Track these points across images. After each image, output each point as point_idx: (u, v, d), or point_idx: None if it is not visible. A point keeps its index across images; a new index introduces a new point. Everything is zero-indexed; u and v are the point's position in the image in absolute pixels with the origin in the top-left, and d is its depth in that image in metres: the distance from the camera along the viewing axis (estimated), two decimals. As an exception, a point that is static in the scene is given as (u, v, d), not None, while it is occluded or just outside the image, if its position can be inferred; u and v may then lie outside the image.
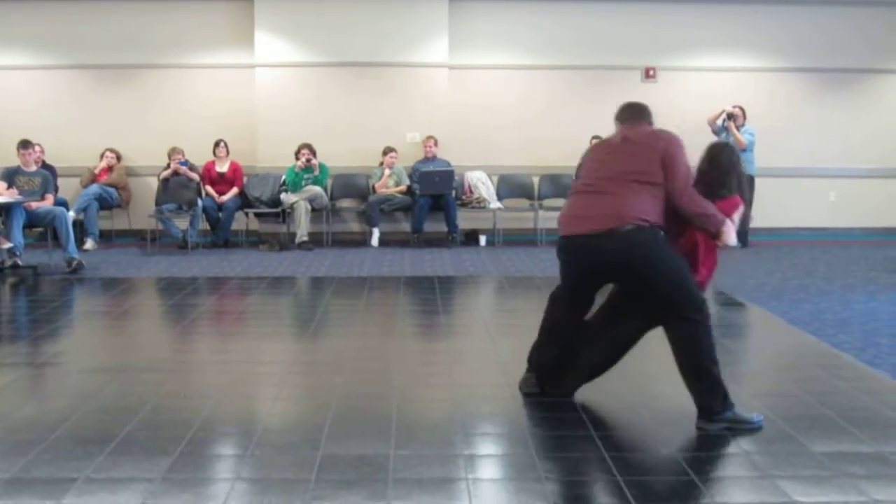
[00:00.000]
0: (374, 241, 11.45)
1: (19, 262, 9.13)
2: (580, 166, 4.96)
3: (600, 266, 4.41)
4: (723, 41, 12.55)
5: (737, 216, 4.41)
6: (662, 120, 4.73)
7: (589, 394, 4.75)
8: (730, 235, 4.35)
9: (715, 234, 4.35)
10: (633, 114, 4.70)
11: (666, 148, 4.35)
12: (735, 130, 11.16)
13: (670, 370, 5.34)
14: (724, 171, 4.48)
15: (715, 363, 4.26)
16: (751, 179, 11.17)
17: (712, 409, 4.23)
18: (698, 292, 4.33)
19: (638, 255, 4.25)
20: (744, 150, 11.08)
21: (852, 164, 12.82)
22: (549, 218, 12.01)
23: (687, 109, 11.81)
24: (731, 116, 11.29)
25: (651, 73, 12.48)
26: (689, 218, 4.34)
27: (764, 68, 12.64)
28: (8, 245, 9.03)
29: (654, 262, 4.27)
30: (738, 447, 4.00)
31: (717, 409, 4.23)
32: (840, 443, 4.04)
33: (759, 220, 11.52)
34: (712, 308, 7.59)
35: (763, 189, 11.42)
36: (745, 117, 11.41)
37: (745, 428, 4.22)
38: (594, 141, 10.68)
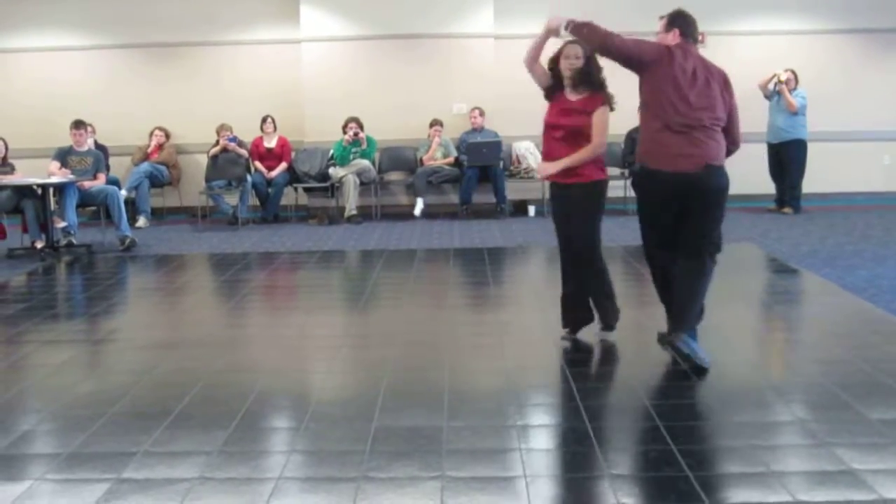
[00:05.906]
0: (418, 210, 11.36)
1: (74, 241, 9.26)
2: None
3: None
4: (772, 3, 12.27)
5: None
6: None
7: (639, 364, 4.73)
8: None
9: None
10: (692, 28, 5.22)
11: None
12: (787, 94, 10.96)
13: (721, 338, 5.29)
14: None
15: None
16: (803, 144, 11.02)
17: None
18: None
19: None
20: (795, 114, 10.90)
21: (907, 127, 12.54)
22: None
23: (737, 74, 11.51)
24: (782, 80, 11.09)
25: (700, 37, 12.22)
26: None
27: (815, 30, 12.35)
28: (62, 224, 9.18)
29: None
30: (794, 415, 3.96)
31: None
32: (898, 410, 3.99)
33: (812, 185, 11.39)
34: (765, 275, 7.55)
35: (816, 153, 11.21)
36: (797, 81, 11.19)
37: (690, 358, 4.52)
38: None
